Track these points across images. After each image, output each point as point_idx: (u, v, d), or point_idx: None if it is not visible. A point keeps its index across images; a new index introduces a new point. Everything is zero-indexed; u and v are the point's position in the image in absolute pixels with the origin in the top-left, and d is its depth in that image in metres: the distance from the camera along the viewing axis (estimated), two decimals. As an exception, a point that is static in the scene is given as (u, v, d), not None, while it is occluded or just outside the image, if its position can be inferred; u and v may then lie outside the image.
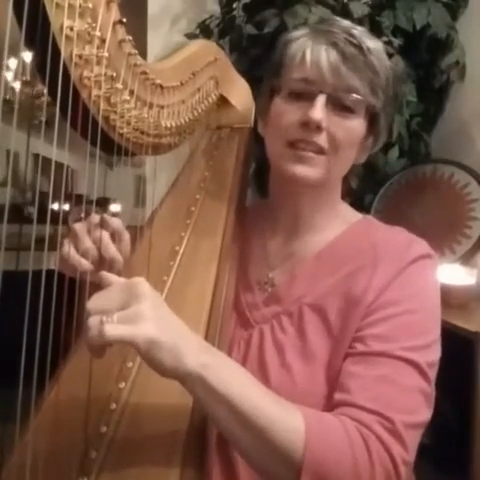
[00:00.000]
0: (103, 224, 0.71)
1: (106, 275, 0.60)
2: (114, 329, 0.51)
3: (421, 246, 0.76)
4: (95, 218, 0.70)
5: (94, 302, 0.55)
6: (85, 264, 0.68)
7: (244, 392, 0.58)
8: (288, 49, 0.77)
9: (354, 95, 0.72)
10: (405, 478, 0.62)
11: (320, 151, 0.74)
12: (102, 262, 0.70)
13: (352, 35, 0.72)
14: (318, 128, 0.72)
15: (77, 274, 0.68)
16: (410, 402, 0.65)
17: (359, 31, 0.74)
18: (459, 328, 1.42)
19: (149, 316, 0.54)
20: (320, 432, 0.60)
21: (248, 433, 0.57)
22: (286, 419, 0.59)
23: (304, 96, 0.74)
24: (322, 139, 0.73)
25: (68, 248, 0.69)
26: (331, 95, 0.72)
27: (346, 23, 0.76)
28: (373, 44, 0.73)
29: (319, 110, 0.72)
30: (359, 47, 0.71)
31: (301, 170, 0.75)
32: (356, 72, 0.71)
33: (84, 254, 0.68)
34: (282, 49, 0.78)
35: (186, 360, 0.55)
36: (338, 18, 0.78)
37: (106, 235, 0.70)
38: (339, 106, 0.73)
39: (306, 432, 0.58)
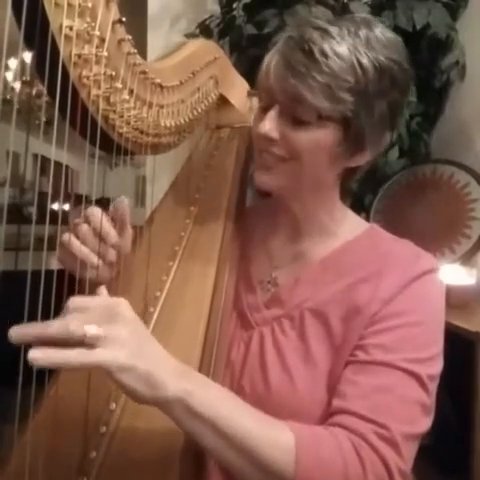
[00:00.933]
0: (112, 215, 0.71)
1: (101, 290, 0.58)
2: (81, 356, 0.49)
3: (428, 261, 0.75)
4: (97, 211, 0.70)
5: (73, 310, 0.52)
6: (84, 251, 0.68)
7: (230, 414, 0.57)
8: (266, 56, 0.75)
9: (305, 104, 0.69)
10: None
11: (280, 159, 0.74)
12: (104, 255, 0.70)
13: (305, 40, 0.68)
14: (269, 139, 0.72)
15: (77, 265, 0.67)
16: (408, 413, 0.65)
17: (324, 32, 0.68)
18: (459, 328, 1.43)
19: (124, 341, 0.52)
20: (311, 448, 0.59)
21: (237, 455, 0.57)
22: (275, 438, 0.59)
23: (266, 107, 0.74)
24: (277, 149, 0.73)
25: (69, 236, 0.68)
26: (283, 105, 0.71)
27: (317, 23, 0.70)
28: (332, 45, 0.67)
29: (266, 122, 0.72)
30: (308, 52, 0.67)
31: (261, 177, 0.76)
32: (302, 81, 0.67)
33: (84, 241, 0.68)
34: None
35: (167, 386, 0.53)
36: (316, 19, 0.72)
37: (106, 223, 0.69)
38: (292, 116, 0.71)
39: (296, 449, 0.58)
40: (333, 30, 0.68)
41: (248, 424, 0.58)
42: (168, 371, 0.54)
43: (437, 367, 0.70)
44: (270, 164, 0.75)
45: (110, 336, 0.51)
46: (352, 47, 0.68)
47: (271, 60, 0.72)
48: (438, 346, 0.71)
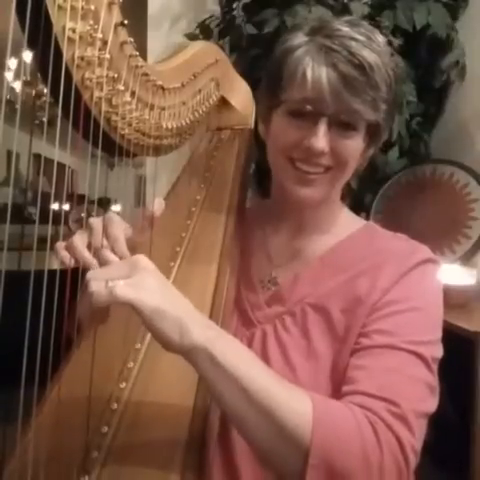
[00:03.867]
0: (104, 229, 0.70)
1: (107, 254, 0.61)
2: (124, 289, 0.52)
3: (425, 252, 0.77)
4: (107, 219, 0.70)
5: (96, 271, 0.56)
6: (94, 263, 0.68)
7: (252, 370, 0.58)
8: (287, 62, 0.74)
9: (356, 116, 0.72)
10: (413, 466, 0.62)
11: (325, 169, 0.75)
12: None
13: (352, 53, 0.69)
14: (322, 153, 0.73)
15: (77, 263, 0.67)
16: (417, 391, 0.66)
17: (359, 42, 0.70)
18: (459, 328, 1.43)
19: (154, 286, 0.55)
20: (328, 417, 0.59)
21: (254, 413, 0.57)
22: (294, 402, 0.59)
23: (305, 115, 0.73)
24: (326, 159, 0.74)
25: (79, 240, 0.67)
26: (333, 117, 0.72)
27: (345, 31, 0.72)
28: (373, 57, 0.70)
29: (321, 138, 0.72)
30: (360, 66, 0.69)
31: (306, 192, 0.76)
32: (358, 95, 0.70)
33: (96, 251, 0.67)
34: (281, 60, 0.75)
35: (192, 333, 0.55)
36: (337, 23, 0.73)
37: (120, 234, 0.68)
38: (341, 126, 0.72)
39: (314, 417, 0.58)
40: (363, 38, 0.71)
41: (269, 382, 0.58)
42: (196, 320, 0.57)
43: (438, 351, 0.71)
44: (313, 177, 0.75)
45: (142, 283, 0.54)
46: (381, 56, 0.72)
47: (319, 72, 0.70)
48: (438, 332, 0.72)
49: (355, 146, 0.75)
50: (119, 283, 0.53)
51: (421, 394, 0.66)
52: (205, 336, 0.56)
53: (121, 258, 0.68)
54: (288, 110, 0.75)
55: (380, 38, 0.73)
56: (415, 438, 0.62)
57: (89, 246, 0.66)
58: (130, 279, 0.54)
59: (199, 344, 0.55)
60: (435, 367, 0.69)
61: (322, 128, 0.72)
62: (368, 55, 0.70)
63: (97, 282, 0.54)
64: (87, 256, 0.66)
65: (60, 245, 0.65)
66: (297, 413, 0.58)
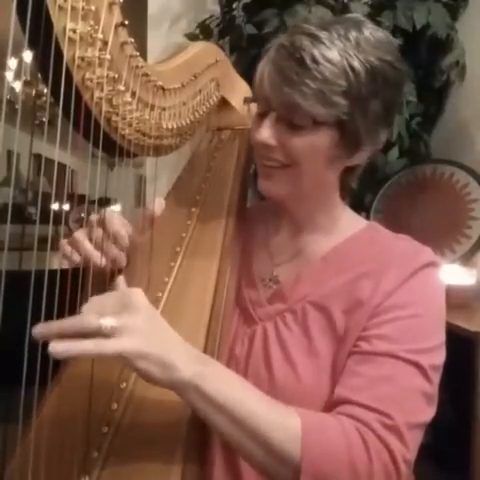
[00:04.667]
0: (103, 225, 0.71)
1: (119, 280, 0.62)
2: (98, 346, 0.53)
3: (428, 254, 0.77)
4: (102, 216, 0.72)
5: (89, 306, 0.56)
6: (96, 255, 0.70)
7: (240, 398, 0.60)
8: (259, 63, 0.75)
9: (299, 111, 0.70)
10: (406, 477, 0.63)
11: (281, 166, 0.75)
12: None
13: (296, 47, 0.68)
14: (267, 146, 0.74)
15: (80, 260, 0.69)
16: (411, 402, 0.65)
17: (314, 38, 0.68)
18: (459, 328, 1.43)
19: (138, 328, 0.55)
20: (317, 433, 0.60)
21: (246, 438, 0.59)
22: (283, 422, 0.60)
23: (263, 114, 0.75)
24: (277, 154, 0.74)
25: (81, 234, 0.70)
26: (279, 112, 0.72)
27: (306, 28, 0.70)
28: (323, 51, 0.67)
29: (263, 130, 0.73)
30: (300, 59, 0.68)
31: (264, 184, 0.78)
32: (295, 88, 0.68)
33: (98, 246, 0.69)
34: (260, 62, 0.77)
35: (179, 370, 0.56)
36: (313, 22, 0.72)
37: (120, 230, 0.72)
38: (288, 122, 0.72)
39: (303, 434, 0.59)
40: (323, 35, 0.68)
41: (257, 408, 0.60)
42: (182, 356, 0.58)
43: (440, 357, 0.71)
44: (271, 171, 0.76)
45: (125, 325, 0.54)
46: (342, 51, 0.68)
47: (264, 69, 0.73)
48: (440, 337, 0.72)
49: (305, 143, 0.72)
50: (96, 341, 0.53)
51: (416, 405, 0.66)
52: (193, 371, 0.57)
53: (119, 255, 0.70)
54: (256, 111, 0.77)
55: (364, 34, 0.70)
56: (407, 449, 0.62)
57: (91, 240, 0.69)
58: (116, 322, 0.54)
59: (187, 380, 0.57)
60: (435, 375, 0.69)
61: (267, 121, 0.73)
62: (315, 49, 0.68)
63: (87, 323, 0.54)
64: (89, 248, 0.69)
65: (64, 242, 0.68)
66: (286, 433, 0.60)
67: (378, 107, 0.72)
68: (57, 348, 0.51)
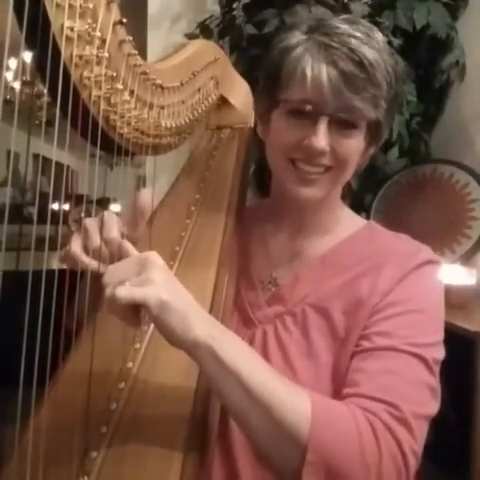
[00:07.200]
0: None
1: (127, 246, 0.63)
2: (126, 291, 0.54)
3: (427, 252, 0.77)
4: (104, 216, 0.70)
5: (109, 274, 0.58)
6: (94, 264, 0.67)
7: (252, 367, 0.59)
8: (286, 61, 0.74)
9: (356, 114, 0.71)
10: (413, 469, 0.62)
11: (326, 169, 0.74)
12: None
13: (352, 50, 0.69)
14: (323, 153, 0.72)
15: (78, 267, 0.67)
16: (417, 393, 0.65)
17: (358, 39, 0.70)
18: (459, 328, 1.43)
19: (161, 281, 0.56)
20: (326, 416, 0.59)
21: (254, 408, 0.57)
22: (293, 400, 0.59)
23: (304, 115, 0.72)
24: (326, 159, 0.73)
25: (76, 246, 0.67)
26: (333, 115, 0.71)
27: (343, 29, 0.71)
28: (373, 54, 0.69)
29: (322, 138, 0.71)
30: (360, 64, 0.68)
31: (305, 192, 0.75)
32: (358, 93, 0.69)
33: (94, 252, 0.67)
34: (278, 59, 0.75)
35: (195, 328, 0.56)
36: (335, 21, 0.73)
37: (116, 234, 0.68)
38: (341, 125, 0.72)
39: (312, 415, 0.58)
40: (362, 36, 0.70)
41: (269, 380, 0.59)
42: (199, 316, 0.58)
43: (439, 352, 0.71)
44: (314, 177, 0.75)
45: (150, 279, 0.55)
46: (381, 55, 0.71)
47: (319, 70, 0.70)
48: (440, 333, 0.72)
49: (356, 145, 0.74)
50: (125, 286, 0.55)
51: (422, 396, 0.66)
52: (208, 333, 0.57)
53: (119, 256, 0.69)
54: (288, 110, 0.74)
55: (379, 36, 0.73)
56: (415, 440, 0.62)
57: (86, 249, 0.67)
58: (139, 277, 0.56)
59: (202, 341, 0.56)
60: (437, 369, 0.69)
61: (322, 127, 0.71)
62: (368, 52, 0.69)
63: (111, 286, 0.56)
64: (84, 260, 0.66)
65: (61, 256, 0.68)
66: (296, 410, 0.58)
67: (395, 107, 0.76)
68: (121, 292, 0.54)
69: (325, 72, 0.69)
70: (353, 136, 0.73)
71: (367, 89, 0.69)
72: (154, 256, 0.58)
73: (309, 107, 0.71)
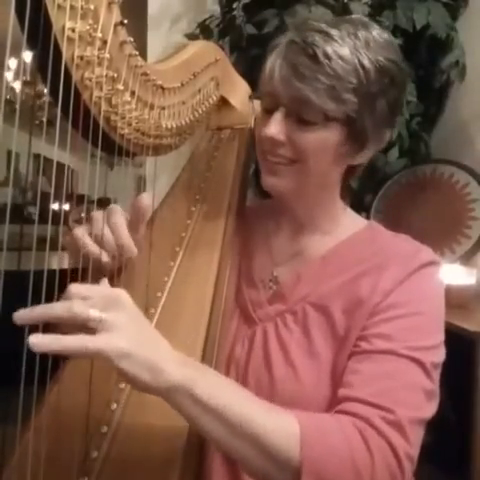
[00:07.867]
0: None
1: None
2: (86, 341, 0.49)
3: (427, 253, 0.77)
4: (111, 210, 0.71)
5: (75, 291, 0.53)
6: (95, 249, 0.68)
7: (232, 401, 0.57)
8: (267, 59, 0.75)
9: (311, 106, 0.70)
10: (409, 474, 0.62)
11: (288, 162, 0.75)
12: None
13: (308, 43, 0.69)
14: (276, 142, 0.73)
15: (79, 256, 0.67)
16: (412, 397, 0.65)
17: (326, 35, 0.69)
18: (459, 328, 1.43)
19: (124, 327, 0.52)
20: (315, 433, 0.59)
21: (241, 442, 0.56)
22: (279, 425, 0.59)
23: (271, 110, 0.74)
24: (285, 150, 0.74)
25: (80, 230, 0.68)
26: (288, 106, 0.72)
27: (316, 25, 0.71)
28: (336, 48, 0.68)
29: (272, 125, 0.72)
30: (313, 56, 0.68)
31: (270, 181, 0.77)
32: (307, 83, 0.68)
33: (98, 240, 0.68)
34: (267, 58, 0.76)
35: (166, 373, 0.53)
36: (321, 20, 0.73)
37: (122, 222, 0.70)
38: (298, 118, 0.72)
39: (301, 435, 0.58)
40: (334, 33, 0.69)
41: (251, 411, 0.58)
42: (170, 359, 0.55)
43: (440, 355, 0.70)
44: (277, 167, 0.75)
45: (110, 322, 0.51)
46: (353, 49, 0.69)
47: (274, 64, 0.72)
48: (440, 335, 0.72)
49: (315, 139, 0.72)
50: (84, 338, 0.50)
51: (417, 401, 0.65)
52: (181, 374, 0.54)
53: (123, 245, 0.70)
54: (263, 107, 0.77)
55: (371, 34, 0.71)
56: (410, 445, 0.62)
57: (91, 235, 0.68)
58: (103, 313, 0.52)
59: (176, 382, 0.53)
60: (435, 372, 0.68)
61: (277, 116, 0.72)
62: (330, 46, 0.68)
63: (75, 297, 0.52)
64: (88, 242, 0.68)
65: (65, 239, 0.68)
66: (283, 434, 0.58)
67: (384, 106, 0.73)
68: (37, 339, 0.48)
69: (278, 65, 0.71)
70: (311, 130, 0.72)
71: (318, 79, 0.68)
72: (124, 296, 0.54)
73: (271, 100, 0.74)
